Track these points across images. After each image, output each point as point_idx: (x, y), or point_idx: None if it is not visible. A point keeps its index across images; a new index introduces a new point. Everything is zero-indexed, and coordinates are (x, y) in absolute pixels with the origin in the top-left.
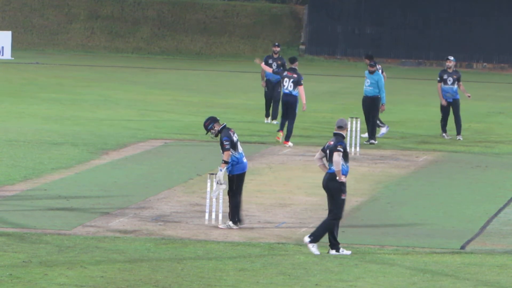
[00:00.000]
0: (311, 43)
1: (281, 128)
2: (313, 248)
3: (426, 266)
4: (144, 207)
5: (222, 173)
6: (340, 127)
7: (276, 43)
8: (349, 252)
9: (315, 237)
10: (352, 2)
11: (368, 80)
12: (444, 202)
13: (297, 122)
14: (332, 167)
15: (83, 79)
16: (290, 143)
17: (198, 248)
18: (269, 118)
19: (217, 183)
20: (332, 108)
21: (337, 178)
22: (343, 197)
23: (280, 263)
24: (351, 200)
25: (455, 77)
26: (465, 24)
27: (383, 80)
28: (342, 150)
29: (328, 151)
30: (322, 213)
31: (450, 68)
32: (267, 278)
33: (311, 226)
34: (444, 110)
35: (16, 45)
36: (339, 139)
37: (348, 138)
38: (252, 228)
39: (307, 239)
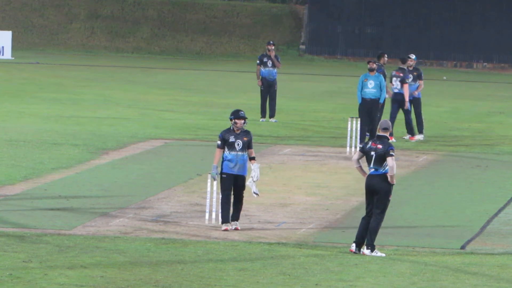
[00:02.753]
0: (311, 43)
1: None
2: (378, 253)
3: (426, 266)
4: (144, 207)
5: (259, 169)
6: (385, 129)
7: (271, 41)
8: (383, 254)
9: (370, 245)
10: (352, 2)
11: (371, 82)
12: (444, 202)
13: (297, 122)
14: (380, 169)
15: (83, 79)
16: (417, 137)
17: (198, 248)
18: (266, 117)
19: (257, 180)
20: (332, 108)
21: (390, 180)
22: (390, 198)
23: (280, 263)
24: (351, 200)
25: (415, 74)
26: (465, 24)
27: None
28: (394, 154)
29: (374, 154)
30: (322, 213)
31: (411, 66)
32: (267, 278)
33: (311, 226)
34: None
35: (16, 45)
36: (388, 142)
37: (348, 138)
38: (252, 228)
39: (367, 251)
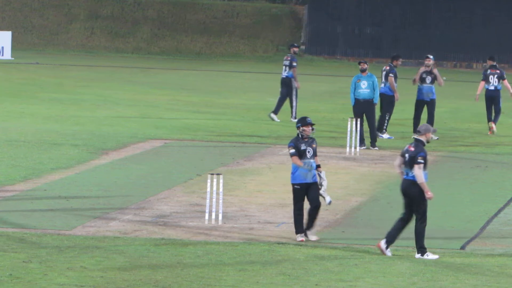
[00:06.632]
0: (311, 43)
1: (491, 120)
2: (430, 256)
3: (426, 266)
4: (144, 207)
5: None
6: (418, 132)
7: (295, 44)
8: (436, 256)
9: (420, 249)
10: (352, 2)
11: (364, 82)
12: (444, 202)
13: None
14: (410, 173)
15: (83, 79)
16: (494, 128)
17: (198, 248)
18: (276, 115)
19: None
20: (332, 108)
21: (424, 192)
22: (424, 200)
23: (280, 263)
24: (351, 200)
25: (433, 75)
26: (465, 24)
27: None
28: (422, 161)
29: (407, 157)
30: (322, 213)
31: (429, 66)
32: (267, 278)
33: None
34: (418, 109)
35: (16, 45)
36: (420, 147)
37: (348, 138)
38: (252, 228)
39: (417, 255)
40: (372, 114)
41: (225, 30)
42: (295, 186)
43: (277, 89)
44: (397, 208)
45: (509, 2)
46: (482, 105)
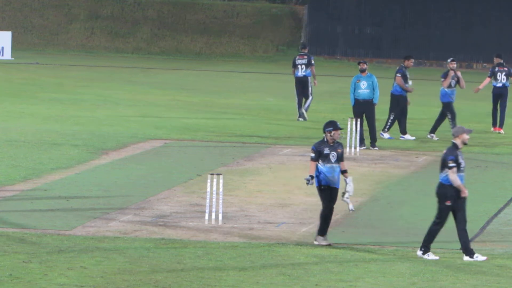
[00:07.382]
0: (311, 43)
1: (495, 125)
2: (430, 256)
3: (426, 266)
4: (144, 207)
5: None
6: (452, 135)
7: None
8: (437, 257)
9: (423, 247)
10: (352, 2)
11: (364, 82)
12: None
13: (297, 122)
14: (441, 175)
15: (83, 79)
16: (502, 131)
17: (198, 248)
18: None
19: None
20: (332, 108)
21: (461, 192)
22: (447, 203)
23: (280, 263)
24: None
25: (456, 78)
26: (465, 24)
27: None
28: (453, 165)
29: (441, 160)
30: None
31: (453, 70)
32: (267, 278)
33: (311, 226)
34: (454, 111)
35: (16, 45)
36: (451, 150)
37: (348, 138)
38: (252, 228)
39: (419, 252)
40: (372, 114)
41: (225, 30)
42: (321, 187)
43: (278, 90)
44: (397, 208)
45: (509, 2)
46: (482, 105)
